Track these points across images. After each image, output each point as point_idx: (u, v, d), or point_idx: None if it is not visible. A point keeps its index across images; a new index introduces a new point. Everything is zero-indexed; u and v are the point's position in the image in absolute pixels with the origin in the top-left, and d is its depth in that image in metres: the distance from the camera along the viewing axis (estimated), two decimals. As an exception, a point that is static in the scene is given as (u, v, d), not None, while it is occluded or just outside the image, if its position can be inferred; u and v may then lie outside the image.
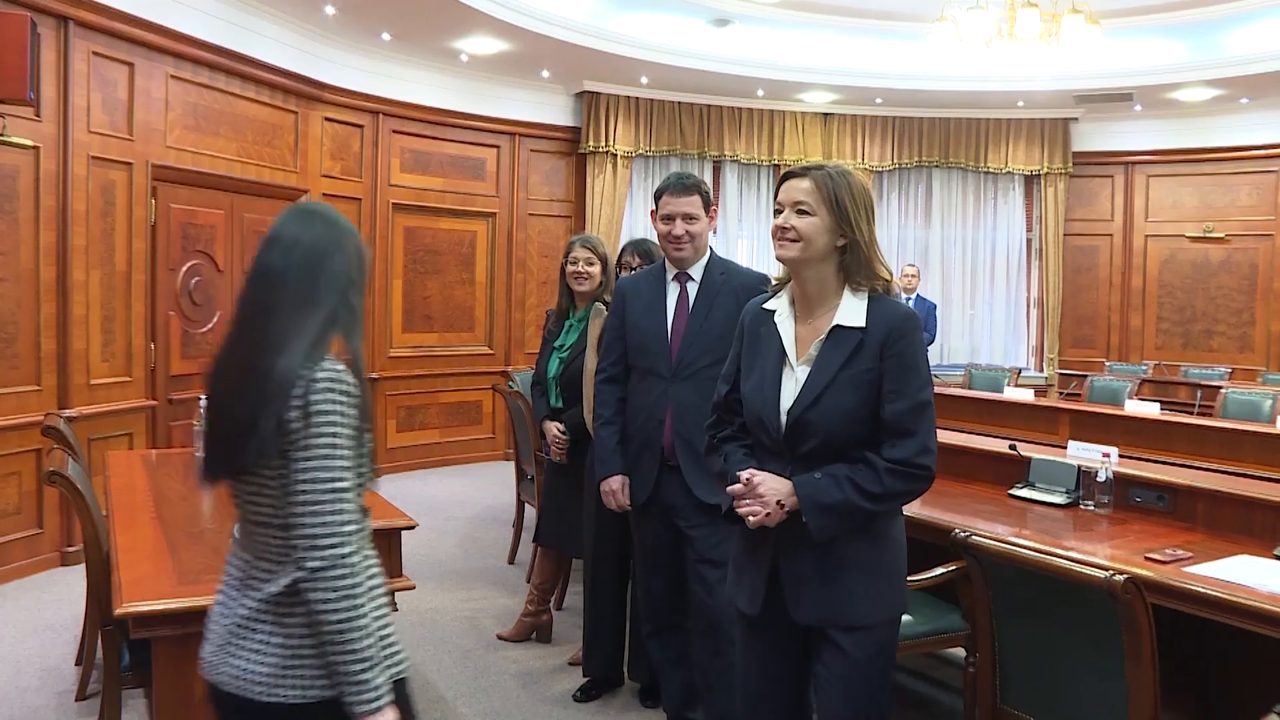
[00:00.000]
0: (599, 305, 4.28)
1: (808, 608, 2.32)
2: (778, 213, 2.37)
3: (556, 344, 4.58)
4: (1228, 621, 2.62)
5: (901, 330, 2.30)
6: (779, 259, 2.36)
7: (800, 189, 2.32)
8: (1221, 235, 10.43)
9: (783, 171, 2.39)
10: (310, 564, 1.77)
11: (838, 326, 2.31)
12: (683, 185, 3.54)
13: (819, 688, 2.39)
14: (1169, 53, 9.44)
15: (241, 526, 1.96)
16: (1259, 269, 10.38)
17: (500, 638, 4.76)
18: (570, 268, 4.47)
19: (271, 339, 1.81)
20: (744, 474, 2.31)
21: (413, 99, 8.95)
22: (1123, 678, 2.28)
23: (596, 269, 4.41)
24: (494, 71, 9.30)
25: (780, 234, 2.34)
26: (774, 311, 2.42)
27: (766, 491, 2.28)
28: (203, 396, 2.06)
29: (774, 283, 2.50)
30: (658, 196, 3.58)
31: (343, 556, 1.78)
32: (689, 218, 3.50)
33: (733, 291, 3.42)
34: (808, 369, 2.32)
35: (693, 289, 3.53)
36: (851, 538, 2.29)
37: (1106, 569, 2.35)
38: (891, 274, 2.36)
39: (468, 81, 9.32)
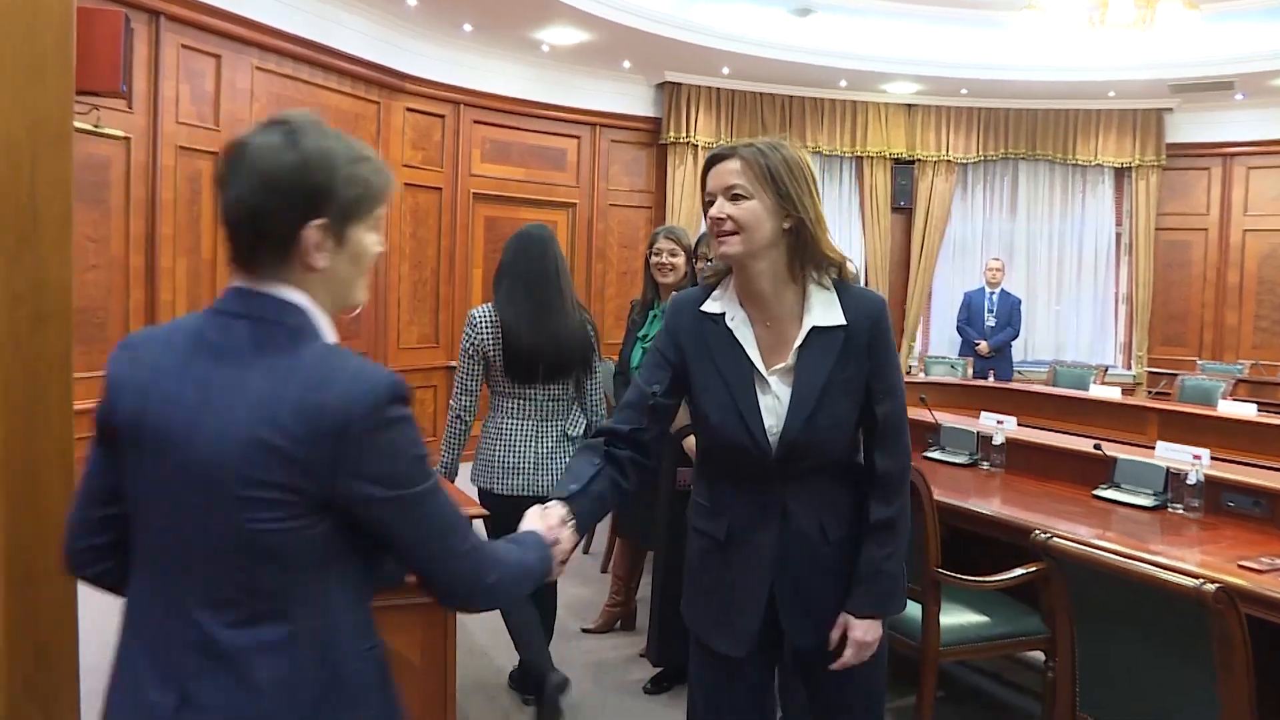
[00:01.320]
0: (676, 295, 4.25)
1: (811, 632, 2.16)
2: (709, 204, 2.08)
3: (640, 334, 4.57)
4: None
5: (884, 323, 2.12)
6: (722, 256, 2.08)
7: (730, 171, 2.04)
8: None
9: (706, 156, 2.14)
10: (603, 412, 3.89)
11: (816, 328, 2.06)
12: None
13: (824, 710, 2.28)
14: (1275, 36, 9.04)
15: (534, 406, 3.72)
16: (1365, 265, 9.97)
17: (585, 630, 4.76)
18: (654, 259, 4.46)
19: (568, 304, 3.71)
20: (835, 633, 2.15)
21: (494, 89, 8.98)
22: (1214, 693, 2.18)
23: (681, 260, 4.39)
24: (575, 62, 9.30)
25: (716, 227, 2.05)
26: (723, 315, 2.12)
27: (869, 642, 2.14)
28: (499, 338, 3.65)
29: (704, 279, 2.22)
30: None
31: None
32: None
33: None
34: (784, 381, 2.08)
35: None
36: (844, 553, 2.14)
37: (1196, 576, 2.25)
38: (842, 255, 2.11)
39: (549, 72, 9.33)
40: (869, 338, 2.08)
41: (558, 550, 1.79)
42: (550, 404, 3.75)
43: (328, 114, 7.29)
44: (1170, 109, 10.61)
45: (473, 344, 3.70)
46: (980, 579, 3.32)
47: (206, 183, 6.36)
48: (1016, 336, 9.17)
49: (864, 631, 2.13)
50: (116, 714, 1.46)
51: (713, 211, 2.06)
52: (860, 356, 2.08)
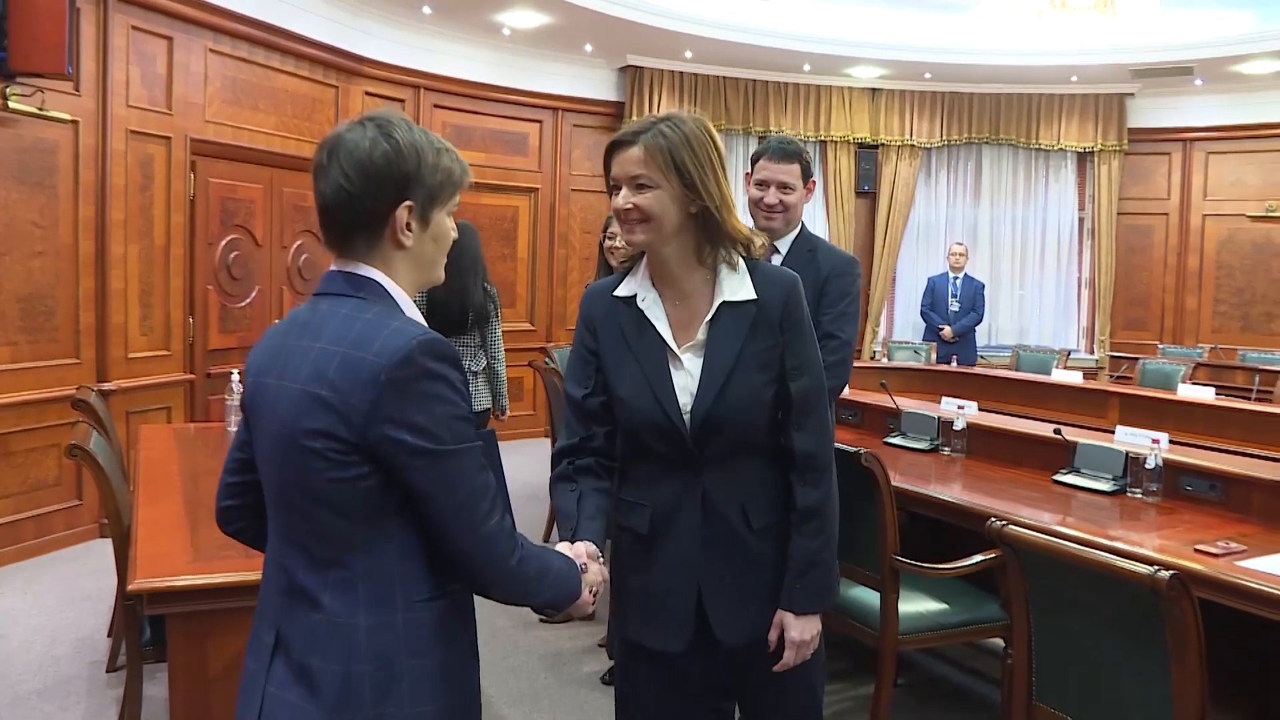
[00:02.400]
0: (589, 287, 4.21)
1: (738, 627, 2.08)
2: (615, 189, 2.04)
3: None
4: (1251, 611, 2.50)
5: (796, 298, 2.08)
6: (630, 244, 2.07)
7: (632, 160, 1.99)
8: (1288, 215, 10.08)
9: (610, 140, 2.08)
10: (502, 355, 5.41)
11: (726, 303, 2.04)
12: (783, 151, 3.26)
13: (755, 711, 2.21)
14: (1233, 23, 9.09)
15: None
16: (1324, 250, 10.04)
17: (543, 620, 4.69)
18: (609, 242, 4.42)
19: (468, 280, 5.02)
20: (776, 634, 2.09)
21: (454, 73, 8.88)
22: (1168, 680, 2.16)
23: None
24: (536, 45, 9.21)
25: (624, 217, 2.02)
26: (634, 296, 2.09)
27: (807, 640, 2.08)
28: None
29: (619, 265, 2.18)
30: (754, 160, 3.33)
31: None
32: (785, 187, 3.25)
33: (818, 270, 3.18)
34: (697, 357, 2.05)
35: (776, 261, 3.37)
36: (770, 541, 2.09)
37: (1152, 563, 2.23)
38: (750, 232, 2.07)
39: (510, 55, 9.23)
40: (781, 313, 2.06)
41: (587, 578, 1.82)
42: (461, 348, 5.12)
43: (284, 98, 7.20)
44: (1132, 94, 10.66)
45: None
46: (938, 566, 3.30)
47: (159, 167, 6.24)
48: (980, 321, 9.18)
49: (801, 630, 2.07)
50: (247, 656, 1.67)
51: (618, 201, 2.02)
52: (773, 331, 2.05)
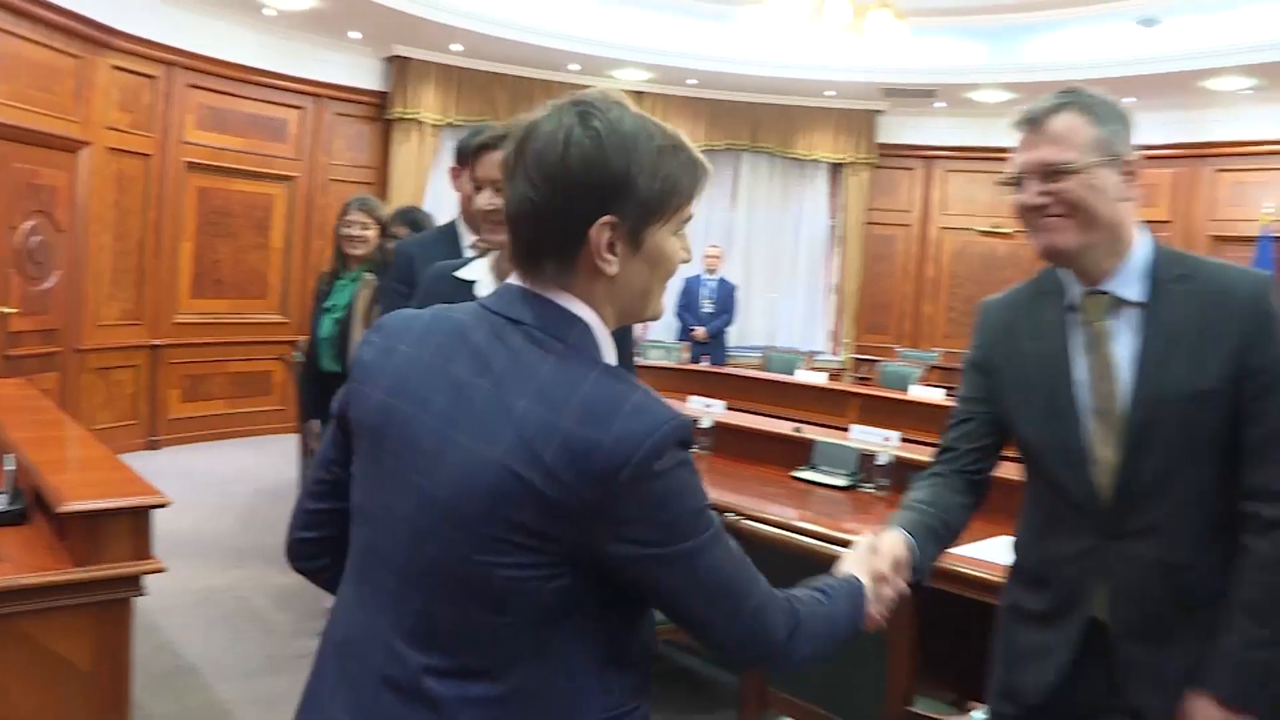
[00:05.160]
0: (368, 276, 4.16)
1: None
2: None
3: (327, 305, 4.42)
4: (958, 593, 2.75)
5: None
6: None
7: (492, 163, 1.98)
8: (1009, 231, 10.85)
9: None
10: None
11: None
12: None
13: None
14: (970, 54, 9.81)
15: None
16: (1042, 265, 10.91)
17: None
18: (344, 230, 4.36)
19: None
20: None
21: (212, 52, 8.41)
22: (882, 661, 2.32)
23: (372, 233, 4.33)
24: (301, 29, 8.87)
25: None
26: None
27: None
28: None
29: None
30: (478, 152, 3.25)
31: None
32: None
33: None
34: None
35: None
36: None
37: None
38: None
39: (272, 38, 8.86)
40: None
41: (880, 596, 1.56)
42: None
43: (19, 65, 6.66)
44: (882, 110, 11.29)
45: None
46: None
47: None
48: (731, 323, 9.43)
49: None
50: None
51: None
52: None
